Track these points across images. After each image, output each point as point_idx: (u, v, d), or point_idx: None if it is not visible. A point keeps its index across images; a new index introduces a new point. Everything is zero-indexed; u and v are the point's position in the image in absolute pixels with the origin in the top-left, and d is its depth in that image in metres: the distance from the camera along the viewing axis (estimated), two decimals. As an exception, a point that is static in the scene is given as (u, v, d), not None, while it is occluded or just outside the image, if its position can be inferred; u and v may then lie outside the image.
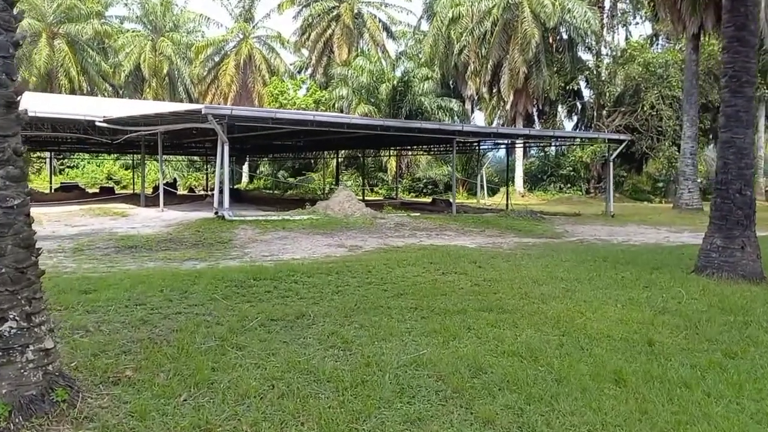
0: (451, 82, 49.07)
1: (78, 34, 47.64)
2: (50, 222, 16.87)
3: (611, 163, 24.05)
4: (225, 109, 15.28)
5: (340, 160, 42.46)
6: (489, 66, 40.00)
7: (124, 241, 12.49)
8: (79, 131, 21.34)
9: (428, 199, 33.15)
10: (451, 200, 29.13)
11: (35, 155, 43.01)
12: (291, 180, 45.93)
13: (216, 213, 15.63)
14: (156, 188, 35.24)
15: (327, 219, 15.66)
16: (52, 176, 49.30)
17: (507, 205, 27.24)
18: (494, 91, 42.42)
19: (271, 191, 45.08)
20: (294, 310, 6.69)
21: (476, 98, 48.32)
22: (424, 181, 44.45)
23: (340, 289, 8.02)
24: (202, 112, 14.55)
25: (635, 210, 26.61)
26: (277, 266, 10.19)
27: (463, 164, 45.92)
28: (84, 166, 51.80)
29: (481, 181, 33.17)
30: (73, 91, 45.49)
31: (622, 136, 24.66)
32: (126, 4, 55.05)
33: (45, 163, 50.20)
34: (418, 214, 18.03)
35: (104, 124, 20.53)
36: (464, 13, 41.64)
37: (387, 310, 6.88)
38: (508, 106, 40.90)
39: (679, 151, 31.82)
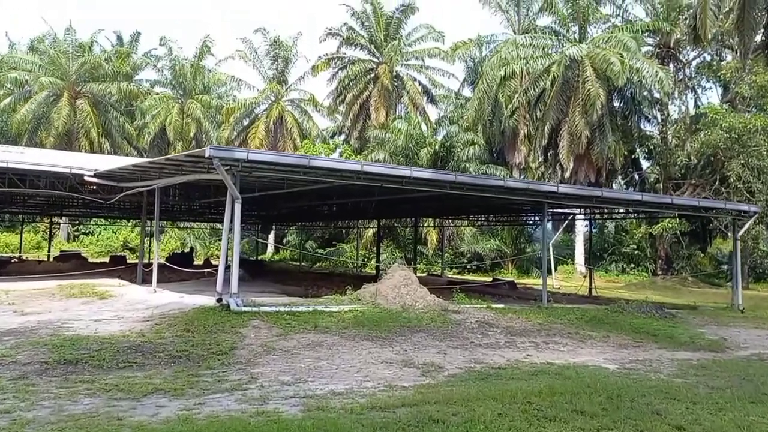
0: (494, 149, 45.13)
1: (102, 94, 45.13)
2: (1, 305, 12.44)
3: (738, 242, 19.08)
4: (239, 151, 10.96)
5: (373, 230, 38.18)
6: (545, 130, 35.78)
7: (66, 348, 7.91)
8: (65, 188, 17.23)
9: (484, 278, 28.29)
10: (514, 281, 24.35)
11: (46, 220, 39.46)
12: (320, 251, 41.54)
13: (218, 300, 11.03)
14: (171, 256, 31.17)
15: (378, 312, 10.94)
16: (67, 242, 45.97)
17: (590, 290, 22.23)
18: (549, 157, 38.10)
19: (297, 263, 40.78)
20: None
21: (524, 166, 44.10)
22: (468, 255, 39.74)
23: None
24: (207, 155, 10.21)
25: (762, 301, 21.32)
26: (308, 419, 5.51)
27: (512, 238, 41.25)
28: (100, 233, 48.29)
29: (547, 259, 28.07)
30: (93, 153, 42.48)
31: (753, 207, 19.66)
32: (155, 66, 52.90)
33: (58, 229, 46.94)
34: (501, 306, 13.21)
35: (94, 179, 16.40)
36: (516, 72, 37.87)
37: None
38: (567, 174, 36.37)
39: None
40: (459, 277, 31.41)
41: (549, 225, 30.58)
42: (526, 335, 10.55)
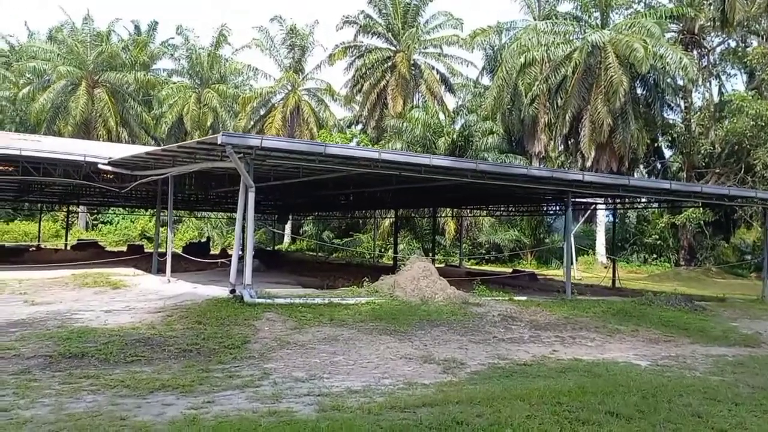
0: (513, 138, 44.45)
1: (119, 83, 45.10)
2: (13, 294, 12.26)
3: (767, 232, 18.41)
4: (252, 138, 10.62)
5: (390, 220, 37.79)
6: (567, 118, 35.04)
7: (73, 341, 7.62)
8: (79, 177, 17.01)
9: (503, 269, 27.75)
10: (534, 272, 23.84)
11: (65, 209, 39.53)
12: (336, 242, 41.22)
13: (232, 291, 10.69)
14: (188, 246, 31.03)
15: (396, 304, 10.53)
16: (86, 231, 46.11)
17: (614, 281, 21.64)
18: (570, 145, 37.40)
19: (314, 253, 40.54)
20: None
21: (543, 155, 43.36)
22: (487, 246, 39.19)
23: None
24: (219, 142, 9.84)
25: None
26: (323, 419, 5.15)
27: (531, 228, 40.62)
28: (118, 222, 48.41)
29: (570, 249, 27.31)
30: (110, 142, 42.49)
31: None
32: (172, 55, 52.78)
33: (77, 218, 47.14)
34: (524, 298, 12.74)
35: (108, 167, 16.16)
36: (537, 59, 37.10)
37: None
38: (588, 163, 35.63)
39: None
40: (477, 268, 30.93)
41: (565, 216, 29.93)
42: (551, 329, 10.10)
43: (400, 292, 11.12)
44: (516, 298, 12.59)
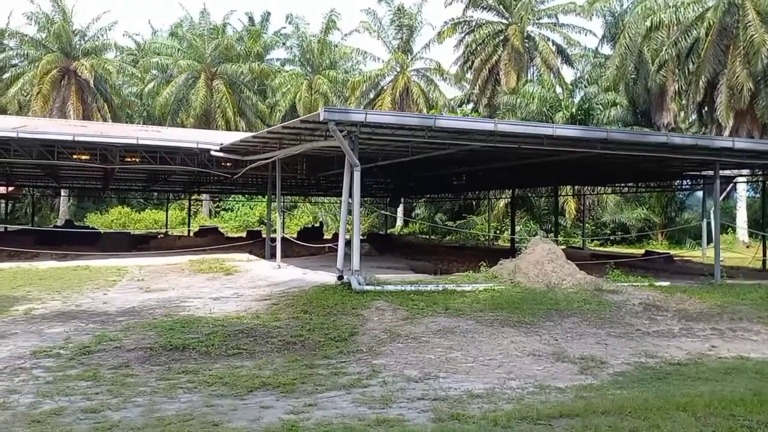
0: (638, 109, 41.32)
1: (235, 74, 46.50)
2: (131, 281, 12.43)
3: None
4: (356, 113, 9.91)
5: (505, 201, 36.29)
6: (700, 84, 31.86)
7: (176, 331, 7.27)
8: (195, 164, 17.22)
9: (630, 251, 25.59)
10: (670, 253, 21.66)
11: (189, 197, 41.41)
12: (449, 224, 40.20)
13: (339, 278, 10.04)
14: (302, 231, 31.34)
15: (518, 292, 9.45)
16: (209, 218, 48.27)
17: (765, 262, 19.19)
18: (704, 114, 34.08)
19: (426, 236, 39.85)
20: None
21: (672, 126, 39.93)
22: (611, 226, 36.67)
23: None
24: (321, 119, 9.16)
25: None
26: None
27: (661, 206, 37.51)
28: (238, 209, 50.24)
29: (708, 228, 24.61)
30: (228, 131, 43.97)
31: None
32: (284, 44, 53.77)
33: (201, 206, 49.42)
34: (667, 284, 11.20)
35: (221, 154, 16.19)
36: (665, 22, 34.00)
37: None
38: (726, 132, 32.24)
39: None
40: (602, 249, 28.86)
41: (703, 191, 27.12)
42: (704, 320, 8.65)
43: (522, 278, 10.03)
44: (657, 283, 11.08)
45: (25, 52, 43.89)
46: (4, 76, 44.14)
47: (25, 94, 43.04)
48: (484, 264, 11.01)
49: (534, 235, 12.09)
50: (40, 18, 43.76)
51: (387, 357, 6.56)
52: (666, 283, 11.25)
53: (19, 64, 44.80)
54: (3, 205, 41.07)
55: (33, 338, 7.15)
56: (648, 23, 34.54)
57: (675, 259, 20.64)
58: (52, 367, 5.98)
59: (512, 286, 9.84)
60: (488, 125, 11.06)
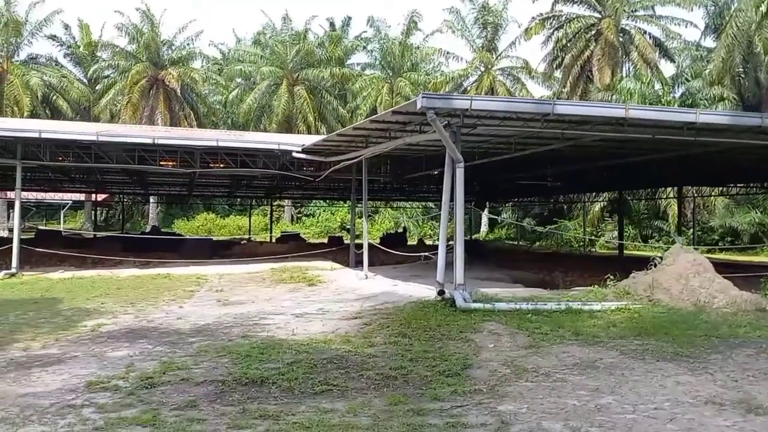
0: (748, 105, 37.90)
1: (316, 79, 46.21)
2: (209, 291, 11.53)
3: None
4: (459, 99, 8.50)
5: (600, 204, 34.05)
6: (824, 73, 28.54)
7: (253, 359, 6.09)
8: (276, 167, 16.33)
9: (745, 258, 22.90)
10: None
11: (273, 203, 41.28)
12: (539, 229, 38.00)
13: (440, 292, 8.61)
14: (384, 237, 30.16)
15: (660, 312, 7.69)
16: (291, 224, 48.12)
17: None
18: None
19: (514, 242, 37.93)
20: None
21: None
22: (720, 231, 33.51)
23: None
24: (418, 107, 7.80)
25: None
26: None
27: (778, 210, 33.99)
28: (320, 215, 49.86)
29: None
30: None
31: None
32: (365, 47, 53.15)
33: (283, 212, 49.44)
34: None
35: (302, 155, 15.19)
36: (782, 6, 30.78)
37: None
38: None
39: None
40: (714, 257, 26.11)
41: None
42: None
43: (663, 295, 8.31)
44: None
45: (117, 62, 45.16)
46: (97, 87, 45.66)
47: (116, 103, 44.31)
48: (612, 278, 9.26)
49: (674, 243, 10.15)
50: (130, 29, 44.94)
51: (515, 401, 5.08)
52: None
53: (111, 74, 46.19)
54: (98, 212, 42.29)
55: (93, 364, 6.18)
56: (764, 8, 31.42)
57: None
58: (106, 405, 4.92)
59: (652, 306, 8.13)
60: (618, 111, 9.31)
